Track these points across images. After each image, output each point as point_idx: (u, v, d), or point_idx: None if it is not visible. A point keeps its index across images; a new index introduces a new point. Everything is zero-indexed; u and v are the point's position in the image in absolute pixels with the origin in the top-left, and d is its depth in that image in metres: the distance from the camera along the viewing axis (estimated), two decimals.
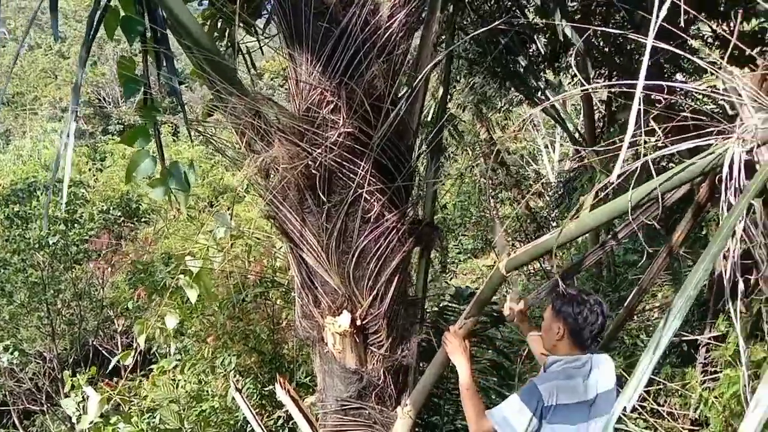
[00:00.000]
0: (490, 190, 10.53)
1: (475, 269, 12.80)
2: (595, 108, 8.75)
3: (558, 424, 2.41)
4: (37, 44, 32.86)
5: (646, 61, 1.66)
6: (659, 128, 2.02)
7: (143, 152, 2.95)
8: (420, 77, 2.78)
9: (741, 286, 1.80)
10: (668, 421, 4.20)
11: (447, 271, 11.77)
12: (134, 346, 3.64)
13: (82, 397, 3.50)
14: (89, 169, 13.37)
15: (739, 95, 1.92)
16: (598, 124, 8.70)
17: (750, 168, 1.77)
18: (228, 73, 2.57)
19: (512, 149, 13.66)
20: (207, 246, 3.09)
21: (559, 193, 9.20)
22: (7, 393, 8.90)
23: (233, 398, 4.15)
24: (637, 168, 2.08)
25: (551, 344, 2.55)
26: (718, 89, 2.06)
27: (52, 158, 15.05)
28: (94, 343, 9.44)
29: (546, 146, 14.74)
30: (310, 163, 2.54)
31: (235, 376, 4.43)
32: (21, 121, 27.84)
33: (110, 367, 3.59)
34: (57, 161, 2.98)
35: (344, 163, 2.58)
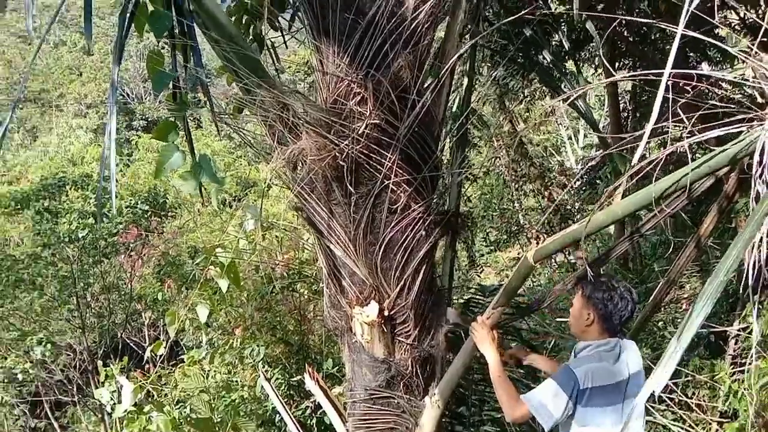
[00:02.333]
0: (514, 183, 10.48)
1: (499, 262, 12.78)
2: (619, 98, 8.66)
3: (592, 407, 2.44)
4: (62, 41, 33.34)
5: (675, 48, 1.65)
6: (686, 117, 2.01)
7: (172, 146, 3.00)
8: (446, 68, 2.79)
9: None
10: (697, 413, 4.17)
11: (476, 265, 11.75)
12: (164, 338, 3.71)
13: (115, 387, 3.58)
14: (116, 164, 13.57)
15: None
16: (623, 114, 8.61)
17: None
18: (256, 66, 2.60)
19: (536, 141, 13.58)
20: (237, 238, 3.14)
21: (583, 183, 9.14)
22: (39, 384, 9.11)
23: (262, 388, 4.21)
24: (661, 158, 2.08)
25: (580, 330, 2.58)
26: (747, 77, 2.04)
27: (79, 154, 15.32)
28: (123, 335, 9.60)
29: (570, 137, 14.62)
30: (337, 154, 2.56)
31: (263, 366, 4.49)
32: (47, 118, 28.31)
33: (145, 358, 3.66)
34: (102, 159, 3.05)
35: (371, 154, 2.60)
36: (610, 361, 2.49)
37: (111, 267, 9.40)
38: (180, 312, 3.34)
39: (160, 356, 3.64)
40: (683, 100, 2.01)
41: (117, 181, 11.38)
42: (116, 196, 10.05)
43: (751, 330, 4.02)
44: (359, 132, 2.55)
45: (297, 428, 3.45)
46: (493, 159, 10.47)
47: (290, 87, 2.74)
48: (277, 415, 4.39)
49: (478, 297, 4.29)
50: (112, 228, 9.13)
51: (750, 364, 3.88)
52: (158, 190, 11.36)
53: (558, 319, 2.88)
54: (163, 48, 3.21)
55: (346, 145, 2.55)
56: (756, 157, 1.78)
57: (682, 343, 1.53)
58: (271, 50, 3.82)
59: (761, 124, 1.86)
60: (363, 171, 2.65)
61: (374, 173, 2.66)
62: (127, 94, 29.41)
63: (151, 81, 3.02)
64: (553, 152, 14.46)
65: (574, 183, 9.71)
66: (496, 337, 2.73)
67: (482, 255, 13.00)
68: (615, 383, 2.46)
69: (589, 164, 9.05)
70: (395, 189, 2.71)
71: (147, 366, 3.79)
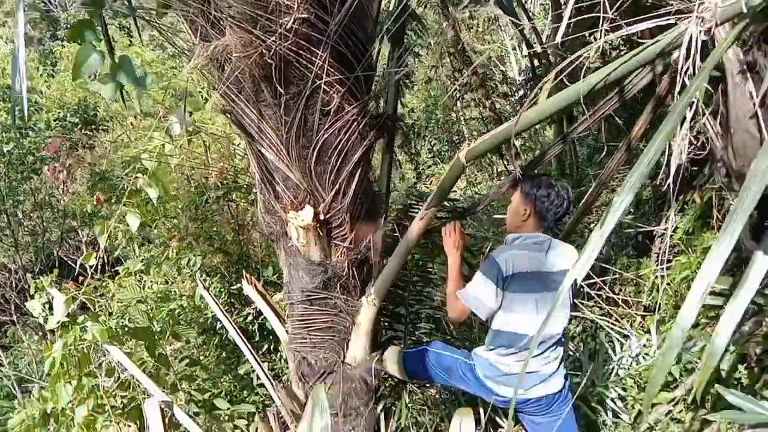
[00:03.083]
0: (456, 92, 10.39)
1: (443, 173, 12.87)
2: (563, 4, 8.55)
3: (516, 293, 2.53)
4: None
5: None
6: (617, 11, 1.98)
7: (89, 46, 2.81)
8: None
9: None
10: (623, 308, 4.40)
11: (422, 177, 11.81)
12: (96, 248, 3.61)
13: (48, 299, 3.50)
14: (40, 75, 12.80)
15: None
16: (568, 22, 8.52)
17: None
18: None
19: (479, 50, 13.39)
20: (162, 143, 3.01)
21: (524, 91, 9.14)
22: None
23: (201, 297, 4.21)
24: (589, 53, 2.06)
25: (517, 225, 2.66)
26: None
27: None
28: (59, 253, 9.37)
29: (513, 47, 14.46)
30: (264, 51, 2.44)
31: (201, 276, 4.47)
32: None
33: (76, 271, 3.58)
34: (13, 70, 2.83)
35: (300, 51, 2.49)
36: (535, 251, 2.58)
37: (42, 184, 9.03)
38: (110, 223, 3.24)
39: (95, 268, 3.56)
40: None
41: (42, 93, 10.76)
42: (41, 109, 9.54)
43: (676, 228, 4.20)
44: (287, 27, 2.42)
45: (238, 334, 3.48)
46: (434, 67, 10.31)
47: None
48: (218, 323, 4.42)
49: (419, 204, 4.32)
50: (40, 142, 8.70)
51: (669, 261, 4.08)
52: (88, 102, 10.79)
53: (495, 216, 2.94)
54: None
55: (273, 41, 2.42)
56: (683, 51, 1.78)
57: (604, 231, 1.54)
58: None
59: (689, 16, 1.85)
60: (293, 70, 2.55)
61: (305, 72, 2.56)
62: (50, 1, 27.39)
63: None
64: (497, 62, 14.33)
65: (516, 92, 9.73)
66: (462, 245, 2.82)
67: (429, 167, 13.06)
68: (536, 272, 2.55)
69: (530, 73, 9.01)
70: (327, 89, 2.62)
71: (81, 279, 3.71)
